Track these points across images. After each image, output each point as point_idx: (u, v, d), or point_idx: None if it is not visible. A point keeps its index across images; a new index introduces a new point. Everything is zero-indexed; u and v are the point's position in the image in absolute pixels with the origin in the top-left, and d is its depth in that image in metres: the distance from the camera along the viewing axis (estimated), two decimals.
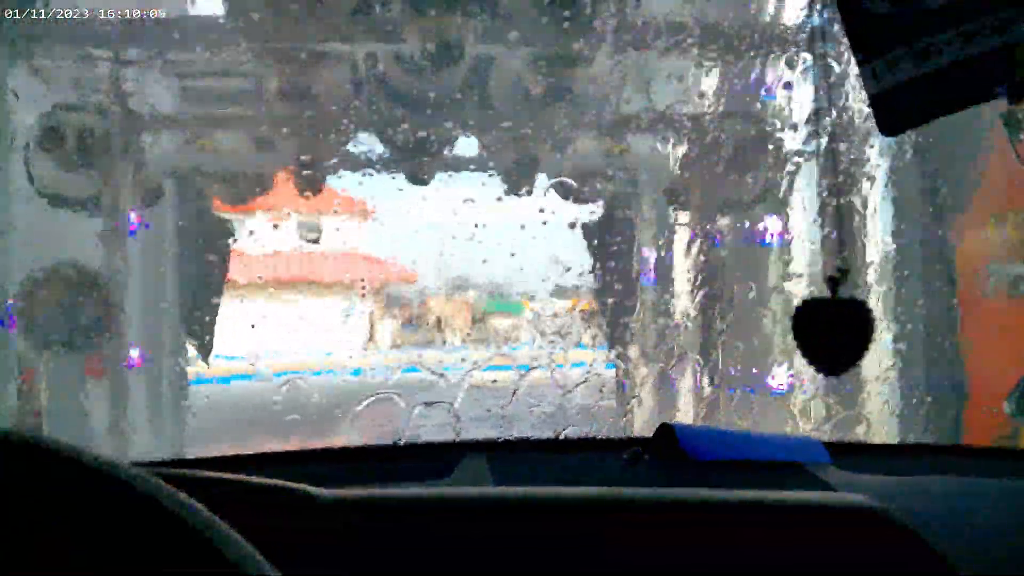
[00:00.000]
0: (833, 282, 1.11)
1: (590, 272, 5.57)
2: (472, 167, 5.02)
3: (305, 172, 4.91)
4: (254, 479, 0.90)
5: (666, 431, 1.37)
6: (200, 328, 5.30)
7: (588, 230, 5.57)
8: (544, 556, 0.84)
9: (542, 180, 5.38)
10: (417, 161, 4.73)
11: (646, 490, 1.04)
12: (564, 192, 5.44)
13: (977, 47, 0.75)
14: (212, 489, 0.80)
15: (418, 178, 4.83)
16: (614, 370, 6.07)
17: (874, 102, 0.81)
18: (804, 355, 1.18)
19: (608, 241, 5.45)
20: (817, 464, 1.36)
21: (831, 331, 1.12)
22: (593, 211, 5.68)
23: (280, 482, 0.90)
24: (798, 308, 1.17)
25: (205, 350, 5.37)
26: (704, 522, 0.94)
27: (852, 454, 1.54)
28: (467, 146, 5.13)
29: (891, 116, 0.83)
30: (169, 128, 4.82)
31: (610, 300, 5.52)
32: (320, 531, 0.84)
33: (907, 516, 0.93)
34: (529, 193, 5.24)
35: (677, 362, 5.61)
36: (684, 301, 5.19)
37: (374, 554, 0.83)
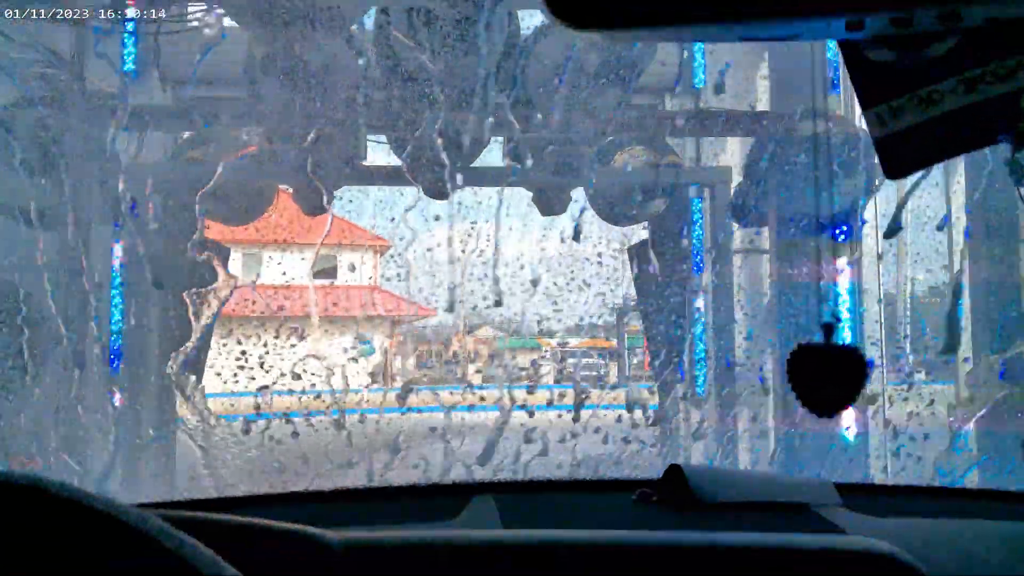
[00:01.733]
0: (828, 329, 1.16)
1: (635, 304, 4.86)
2: (498, 181, 4.35)
3: (308, 187, 4.25)
4: (263, 521, 0.87)
5: (675, 472, 1.38)
6: (187, 366, 4.61)
7: (634, 255, 4.88)
8: None
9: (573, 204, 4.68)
10: (435, 172, 4.05)
11: (655, 533, 1.01)
12: (605, 211, 4.74)
13: (981, 94, 0.79)
14: (220, 532, 0.78)
15: (436, 191, 4.15)
16: (656, 411, 5.41)
17: (879, 147, 0.83)
18: (797, 398, 1.14)
19: (655, 268, 4.74)
20: (826, 506, 1.36)
21: (824, 376, 1.14)
22: (638, 233, 4.98)
23: (290, 525, 0.87)
24: (792, 352, 1.16)
25: (193, 390, 4.67)
26: (714, 567, 0.92)
27: (861, 495, 1.53)
28: (493, 156, 4.46)
29: (896, 160, 0.84)
30: (153, 129, 4.16)
31: (657, 334, 4.79)
32: (327, 573, 0.83)
33: (917, 560, 0.91)
34: (562, 211, 4.54)
35: (737, 403, 4.88)
36: (751, 335, 4.47)
37: None
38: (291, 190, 4.44)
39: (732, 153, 4.92)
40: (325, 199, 4.44)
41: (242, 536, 0.85)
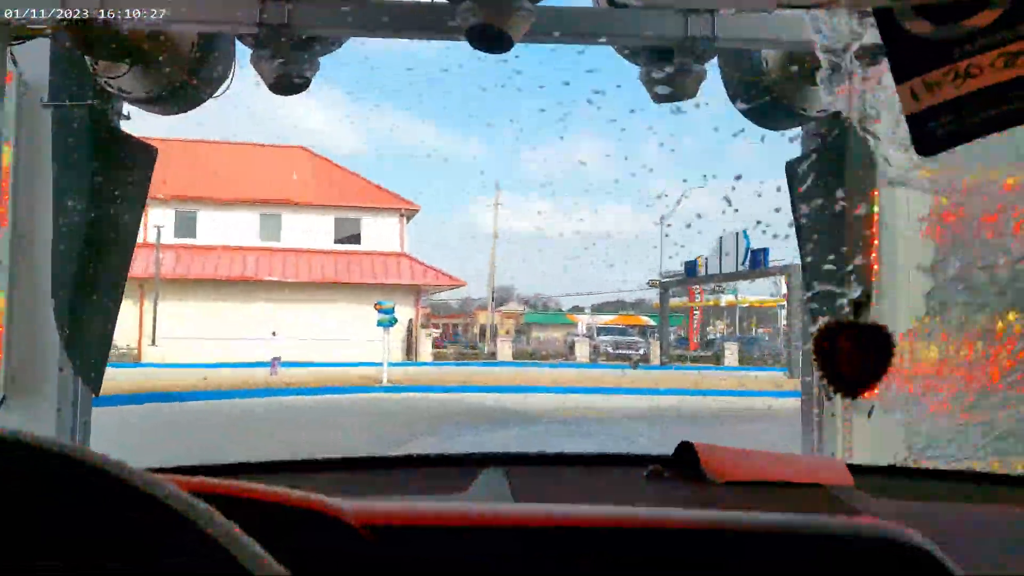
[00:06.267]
0: (857, 307, 1.31)
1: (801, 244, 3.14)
2: (584, 33, 2.63)
3: (276, 43, 2.54)
4: (275, 488, 0.84)
5: (687, 449, 1.40)
6: (82, 337, 2.98)
7: (794, 172, 3.15)
8: (563, 575, 0.85)
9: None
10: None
11: (665, 510, 1.02)
12: (748, 95, 3.00)
13: (1021, 68, 0.77)
14: (232, 499, 0.78)
15: (486, 37, 2.44)
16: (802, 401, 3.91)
17: (911, 122, 0.82)
18: (824, 376, 1.14)
19: (824, 192, 3.06)
20: (839, 487, 1.36)
21: (852, 354, 1.13)
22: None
23: (303, 492, 0.84)
24: (820, 330, 1.15)
25: (93, 372, 3.04)
26: (724, 545, 0.90)
27: (875, 476, 1.53)
28: None
29: (929, 136, 0.81)
30: None
31: (819, 293, 3.12)
32: (340, 543, 0.83)
33: (931, 543, 0.88)
34: (688, 94, 2.81)
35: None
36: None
37: (395, 567, 0.83)
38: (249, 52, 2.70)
39: None
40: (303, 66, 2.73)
41: (254, 503, 0.81)
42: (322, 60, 2.91)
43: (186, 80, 2.90)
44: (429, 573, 0.86)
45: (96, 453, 0.49)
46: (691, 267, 24.81)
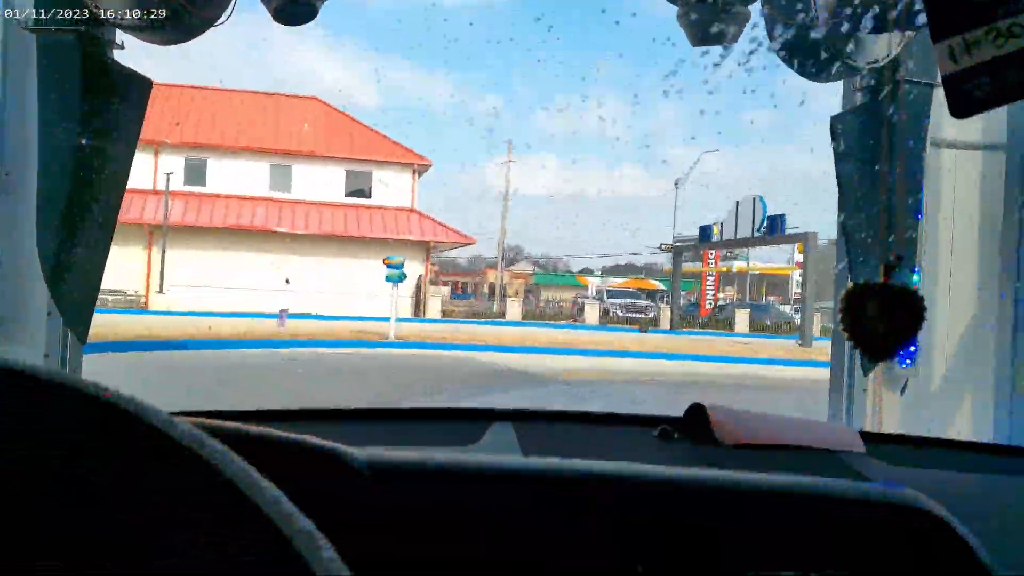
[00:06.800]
0: (888, 268, 1.17)
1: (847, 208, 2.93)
2: None
3: None
4: (289, 435, 0.85)
5: (697, 411, 1.41)
6: (69, 279, 2.81)
7: (838, 128, 2.91)
8: (569, 529, 0.87)
9: None
10: None
11: (675, 469, 0.97)
12: (796, 47, 2.77)
13: None
14: (247, 443, 0.78)
15: None
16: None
17: (947, 82, 0.79)
18: (851, 338, 1.13)
19: (868, 149, 2.83)
20: (851, 453, 1.36)
21: (881, 317, 1.12)
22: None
23: (317, 439, 0.86)
24: (848, 292, 1.13)
25: (79, 316, 2.88)
26: (732, 505, 0.91)
27: (886, 444, 1.55)
28: None
29: (964, 97, 0.79)
30: None
31: (857, 254, 2.92)
32: (351, 490, 0.84)
33: (943, 510, 0.88)
34: (726, 37, 2.58)
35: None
36: None
37: (405, 516, 0.85)
38: None
39: None
40: None
41: (266, 447, 0.81)
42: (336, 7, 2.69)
43: (183, 5, 2.67)
44: (437, 522, 0.86)
45: (113, 390, 0.48)
46: (706, 232, 24.50)
